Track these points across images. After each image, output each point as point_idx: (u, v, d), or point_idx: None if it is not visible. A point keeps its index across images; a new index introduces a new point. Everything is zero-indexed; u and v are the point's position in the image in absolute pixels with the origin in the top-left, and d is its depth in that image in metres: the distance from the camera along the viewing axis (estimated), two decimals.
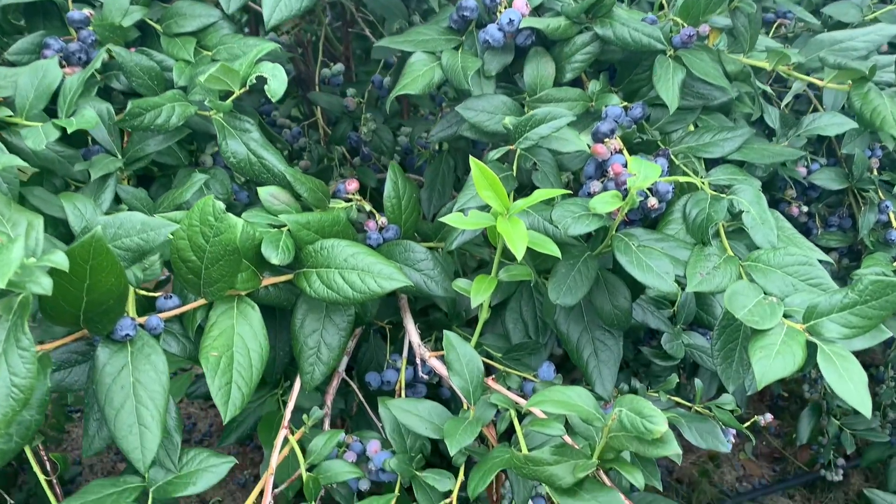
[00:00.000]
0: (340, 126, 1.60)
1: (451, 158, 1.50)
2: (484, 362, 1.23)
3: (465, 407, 0.99)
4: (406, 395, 1.33)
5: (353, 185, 1.21)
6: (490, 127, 1.12)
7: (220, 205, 0.95)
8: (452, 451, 0.91)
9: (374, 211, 1.27)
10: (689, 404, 1.41)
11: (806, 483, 3.04)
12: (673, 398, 1.41)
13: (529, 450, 0.97)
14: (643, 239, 1.07)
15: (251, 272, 1.06)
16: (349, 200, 1.23)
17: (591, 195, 1.11)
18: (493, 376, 1.10)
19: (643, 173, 0.96)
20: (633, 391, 1.37)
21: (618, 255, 1.01)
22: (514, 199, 1.14)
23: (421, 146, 1.64)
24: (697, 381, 1.41)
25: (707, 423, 1.30)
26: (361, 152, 1.62)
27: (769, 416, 1.36)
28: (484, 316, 1.05)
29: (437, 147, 1.57)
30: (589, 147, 1.11)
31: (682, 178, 1.03)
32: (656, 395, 1.39)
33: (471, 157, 0.92)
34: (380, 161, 1.67)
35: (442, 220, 0.92)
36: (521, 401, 1.04)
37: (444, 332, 1.02)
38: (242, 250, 1.02)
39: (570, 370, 1.49)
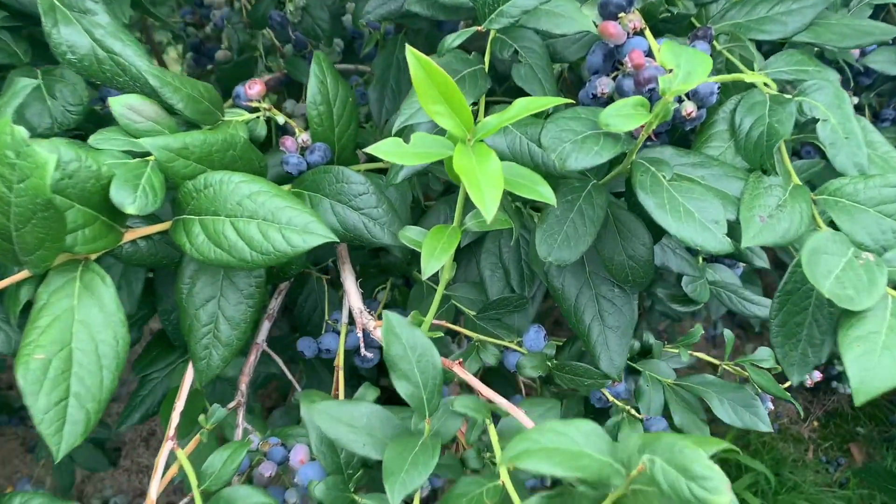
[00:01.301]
0: (261, 3, 1.21)
1: (406, 44, 1.12)
2: (448, 328, 0.91)
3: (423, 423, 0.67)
4: (354, 367, 1.02)
5: (255, 87, 0.85)
6: None
7: (21, 132, 0.59)
8: (394, 501, 0.60)
9: (293, 123, 0.91)
10: (715, 361, 1.10)
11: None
12: (695, 353, 1.11)
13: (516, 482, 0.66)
14: (676, 164, 0.73)
15: (101, 225, 0.72)
16: (254, 110, 0.88)
17: (597, 98, 0.76)
18: (460, 359, 0.78)
19: (685, 68, 0.61)
20: (647, 349, 1.06)
21: (641, 194, 0.67)
22: (487, 109, 0.79)
23: (371, 27, 1.26)
24: (727, 332, 1.10)
25: (743, 392, 1.00)
26: (293, 38, 1.24)
27: (817, 374, 1.05)
28: (446, 277, 0.72)
29: (389, 28, 1.19)
30: (595, 26, 0.75)
31: (729, 77, 0.68)
32: (676, 351, 1.08)
33: (408, 48, 0.56)
34: (318, 49, 1.29)
35: (369, 150, 0.57)
36: (501, 402, 0.73)
37: (384, 313, 0.69)
38: (87, 194, 0.68)
39: (565, 326, 1.18)
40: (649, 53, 0.75)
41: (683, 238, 0.64)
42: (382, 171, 0.97)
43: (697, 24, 0.85)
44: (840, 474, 2.50)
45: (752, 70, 0.80)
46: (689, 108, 0.73)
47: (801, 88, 0.77)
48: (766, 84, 0.78)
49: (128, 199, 0.70)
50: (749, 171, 0.74)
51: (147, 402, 1.10)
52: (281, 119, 0.89)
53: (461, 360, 0.79)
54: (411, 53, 0.56)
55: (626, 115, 0.62)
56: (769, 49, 0.87)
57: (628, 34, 0.73)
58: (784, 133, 0.72)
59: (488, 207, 0.53)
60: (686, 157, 0.74)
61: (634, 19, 0.73)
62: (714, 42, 0.83)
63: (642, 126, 0.64)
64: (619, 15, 0.74)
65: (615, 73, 0.77)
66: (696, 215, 0.65)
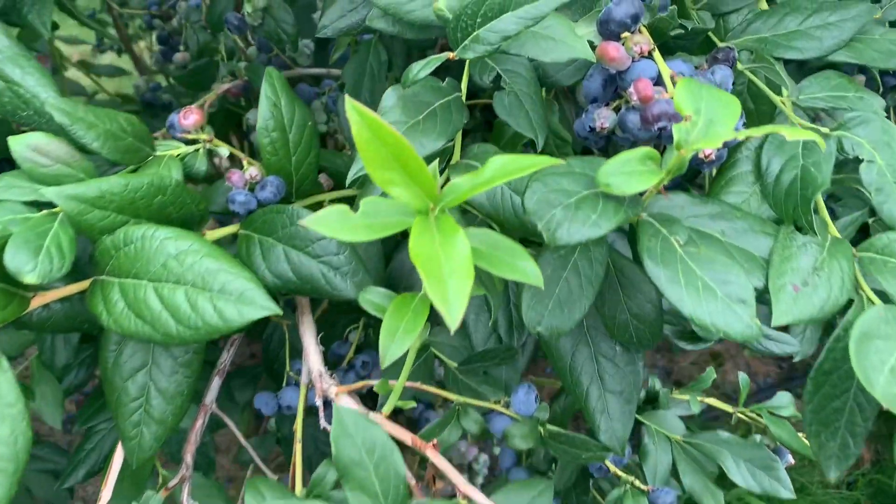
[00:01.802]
0: (217, 2, 1.07)
1: (381, 49, 1.00)
2: (423, 392, 0.79)
3: None
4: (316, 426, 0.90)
5: (191, 116, 0.72)
6: (415, 14, 0.63)
7: None
8: None
9: (240, 155, 0.78)
10: (728, 408, 0.98)
11: None
12: (705, 399, 0.99)
13: None
14: (690, 216, 0.60)
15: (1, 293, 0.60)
16: (192, 142, 0.75)
17: (595, 132, 0.63)
18: (434, 440, 0.66)
19: (706, 115, 0.48)
20: (652, 397, 0.94)
21: (649, 264, 0.54)
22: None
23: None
24: (742, 376, 0.98)
25: (761, 452, 0.88)
26: (255, 41, 1.11)
27: None
28: (410, 362, 0.60)
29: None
30: (593, 47, 0.62)
31: (760, 130, 0.55)
32: (685, 398, 0.96)
33: (347, 100, 0.43)
34: (286, 53, 1.15)
35: (307, 223, 0.45)
36: (482, 502, 0.61)
37: (334, 408, 0.57)
38: None
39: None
40: (658, 80, 0.62)
41: (702, 321, 0.52)
42: (348, 201, 0.84)
43: (715, 39, 0.72)
44: (848, 474, 2.39)
45: (780, 95, 0.67)
46: (708, 150, 0.60)
47: (842, 121, 0.64)
48: (796, 114, 0.65)
49: (26, 266, 0.58)
50: (777, 220, 0.61)
51: (92, 456, 0.99)
52: (225, 151, 0.76)
53: (435, 441, 0.67)
54: (352, 108, 0.43)
55: (631, 173, 0.50)
56: (798, 68, 0.74)
57: (633, 58, 0.60)
58: (822, 181, 0.59)
59: (453, 309, 0.41)
60: (703, 207, 0.61)
61: (641, 41, 0.60)
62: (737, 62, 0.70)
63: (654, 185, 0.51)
64: (623, 35, 0.61)
65: (618, 102, 0.64)
66: (717, 292, 0.52)
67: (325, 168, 0.91)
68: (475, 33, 0.56)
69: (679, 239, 0.55)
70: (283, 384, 0.92)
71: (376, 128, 0.43)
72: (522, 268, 0.49)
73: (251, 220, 0.76)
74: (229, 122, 1.33)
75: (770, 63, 0.65)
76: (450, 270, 0.43)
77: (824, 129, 0.65)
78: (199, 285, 0.59)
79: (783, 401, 0.95)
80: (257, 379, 1.27)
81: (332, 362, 0.98)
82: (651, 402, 0.94)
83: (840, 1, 0.68)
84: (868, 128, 0.62)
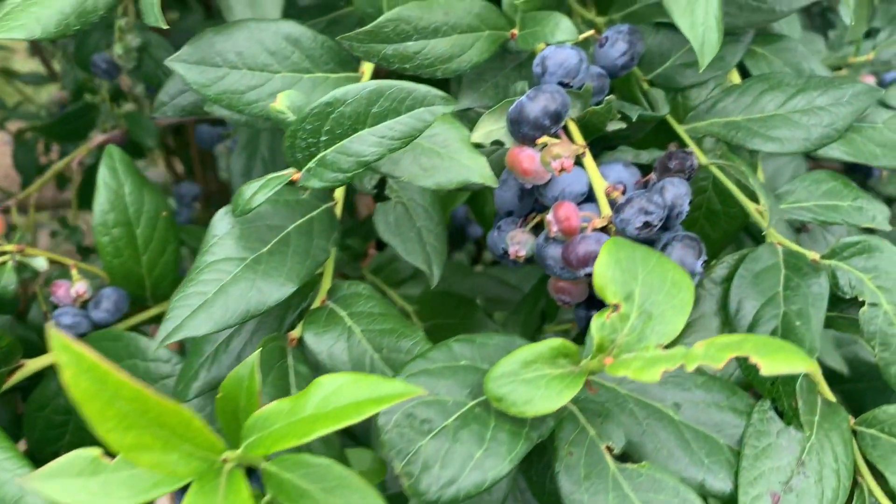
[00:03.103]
0: (89, 38, 0.89)
1: None
2: None
3: None
4: None
5: None
6: (257, 106, 0.46)
7: None
8: None
9: (67, 262, 0.61)
10: None
11: None
12: None
13: None
14: (631, 386, 0.44)
15: None
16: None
17: (509, 257, 0.47)
18: None
19: (641, 302, 0.32)
20: None
21: (565, 484, 0.38)
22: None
23: None
24: None
25: None
26: (124, 86, 0.93)
27: None
28: None
29: None
30: (498, 147, 0.45)
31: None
32: None
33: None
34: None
35: (27, 482, 0.28)
36: None
37: None
38: None
39: None
40: (590, 196, 0.46)
41: None
42: None
43: (673, 123, 0.55)
44: None
45: (758, 203, 0.51)
46: None
47: (836, 246, 0.48)
48: (777, 231, 0.49)
49: None
50: (748, 403, 0.45)
51: None
52: (41, 262, 0.58)
53: None
54: (59, 345, 0.26)
55: (535, 382, 0.33)
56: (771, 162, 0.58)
57: (554, 172, 0.44)
58: (811, 343, 0.43)
59: None
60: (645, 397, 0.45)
61: (563, 154, 0.43)
62: (698, 154, 0.54)
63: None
64: (541, 137, 0.45)
65: (539, 218, 0.48)
66: None
67: None
68: (320, 155, 0.39)
69: (613, 445, 0.39)
70: None
71: (102, 377, 0.26)
72: None
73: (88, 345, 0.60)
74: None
75: (739, 165, 0.49)
76: None
77: (812, 255, 0.49)
78: None
79: None
80: None
81: None
82: None
83: (832, 78, 0.52)
84: (872, 258, 0.47)
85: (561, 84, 0.47)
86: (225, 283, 0.43)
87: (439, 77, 0.47)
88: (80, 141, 0.97)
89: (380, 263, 0.87)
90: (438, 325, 0.68)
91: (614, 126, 0.48)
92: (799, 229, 0.53)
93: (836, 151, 0.51)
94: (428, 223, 0.49)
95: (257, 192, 0.42)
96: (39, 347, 0.62)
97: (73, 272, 0.61)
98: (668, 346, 0.33)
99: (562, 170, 0.43)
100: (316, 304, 0.48)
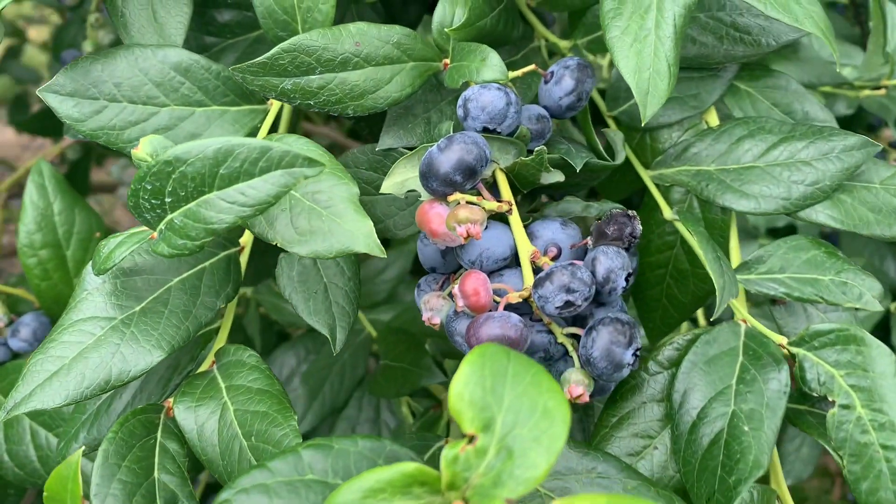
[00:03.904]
0: (66, 32, 0.86)
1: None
2: None
3: None
4: None
5: None
6: (135, 145, 0.40)
7: None
8: None
9: None
10: None
11: None
12: None
13: None
14: (552, 476, 0.38)
15: None
16: None
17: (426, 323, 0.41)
18: None
19: (507, 440, 0.26)
20: None
21: None
22: None
23: None
24: None
25: None
26: None
27: None
28: None
29: None
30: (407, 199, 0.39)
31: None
32: None
33: None
34: None
35: None
36: None
37: None
38: None
39: None
40: (515, 258, 0.40)
41: None
42: None
43: (638, 169, 0.48)
44: None
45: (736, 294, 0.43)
46: (575, 388, 0.37)
47: (809, 333, 0.40)
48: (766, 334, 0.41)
49: None
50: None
51: None
52: None
53: None
54: None
55: None
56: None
57: (463, 235, 0.37)
58: (756, 459, 0.36)
59: None
60: (576, 462, 0.38)
61: (470, 220, 0.37)
62: (662, 208, 0.46)
63: None
64: (451, 198, 0.38)
65: (448, 283, 0.42)
66: None
67: None
68: (168, 218, 0.33)
69: None
70: None
71: None
72: None
73: (3, 372, 0.56)
74: None
75: (689, 227, 0.42)
76: None
77: (779, 340, 0.41)
78: None
79: None
80: None
81: None
82: None
83: (822, 128, 0.44)
84: (847, 351, 0.39)
85: (486, 130, 0.40)
86: (86, 348, 0.38)
87: (350, 115, 0.41)
88: (58, 137, 0.93)
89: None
90: (388, 368, 0.62)
91: (551, 178, 0.42)
92: (773, 302, 0.46)
93: (820, 215, 0.44)
94: (338, 278, 0.43)
95: (115, 248, 0.37)
96: None
97: None
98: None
99: (468, 236, 0.37)
100: (204, 366, 0.43)
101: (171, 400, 0.41)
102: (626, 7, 0.38)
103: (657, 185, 0.48)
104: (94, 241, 0.60)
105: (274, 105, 0.44)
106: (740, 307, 0.44)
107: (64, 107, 0.40)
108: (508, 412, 0.27)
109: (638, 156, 0.49)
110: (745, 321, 0.43)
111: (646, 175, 0.48)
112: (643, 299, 0.51)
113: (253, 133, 0.43)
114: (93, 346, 0.38)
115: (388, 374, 0.61)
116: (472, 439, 0.27)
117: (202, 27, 0.49)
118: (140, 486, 0.36)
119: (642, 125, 0.38)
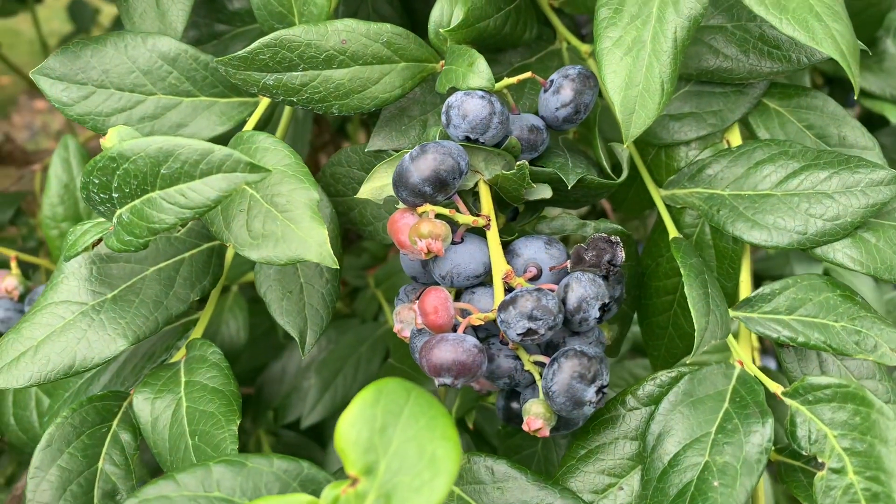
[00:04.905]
0: None
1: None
2: None
3: None
4: None
5: None
6: None
7: None
8: None
9: (8, 253, 0.59)
10: None
11: None
12: None
13: None
14: None
15: None
16: None
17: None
18: None
19: (386, 486, 0.24)
20: None
21: None
22: None
23: None
24: None
25: None
26: None
27: None
28: None
29: None
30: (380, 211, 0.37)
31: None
32: None
33: None
34: None
35: None
36: None
37: None
38: None
39: None
40: (490, 272, 0.38)
41: None
42: None
43: (651, 187, 0.45)
44: None
45: (752, 350, 0.40)
46: (534, 421, 0.35)
47: (804, 385, 0.37)
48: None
49: None
50: None
51: None
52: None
53: None
54: None
55: None
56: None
57: (430, 250, 0.36)
58: None
59: None
60: (529, 497, 0.36)
61: (433, 236, 0.35)
62: (670, 223, 0.43)
63: None
64: (419, 210, 0.36)
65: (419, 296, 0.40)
66: None
67: None
68: (118, 212, 0.33)
69: None
70: None
71: None
72: None
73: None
74: None
75: (686, 258, 0.38)
76: None
77: (774, 387, 0.38)
78: None
79: None
80: None
81: None
82: None
83: (850, 157, 0.39)
84: (844, 409, 0.35)
85: (469, 139, 0.38)
86: (54, 331, 0.39)
87: (335, 114, 0.40)
88: None
89: (384, 273, 0.81)
90: (392, 368, 0.61)
91: (537, 194, 0.39)
92: (778, 346, 0.42)
93: (839, 254, 0.39)
94: (315, 280, 0.42)
95: (80, 236, 0.37)
96: None
97: (13, 264, 0.59)
98: None
99: (426, 251, 0.35)
100: (175, 358, 0.43)
101: (134, 387, 0.41)
102: (622, 16, 0.35)
103: (669, 206, 0.44)
104: None
105: (263, 100, 0.43)
106: (738, 346, 0.40)
107: (54, 90, 0.40)
108: (394, 457, 0.25)
109: (652, 173, 0.46)
110: (741, 363, 0.39)
111: (657, 194, 0.45)
112: (648, 325, 0.48)
113: (240, 125, 0.43)
114: (61, 330, 0.39)
115: (391, 375, 0.60)
116: (354, 481, 0.25)
117: (213, 14, 0.49)
118: (80, 475, 0.36)
119: (623, 145, 0.35)
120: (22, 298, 0.59)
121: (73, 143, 0.59)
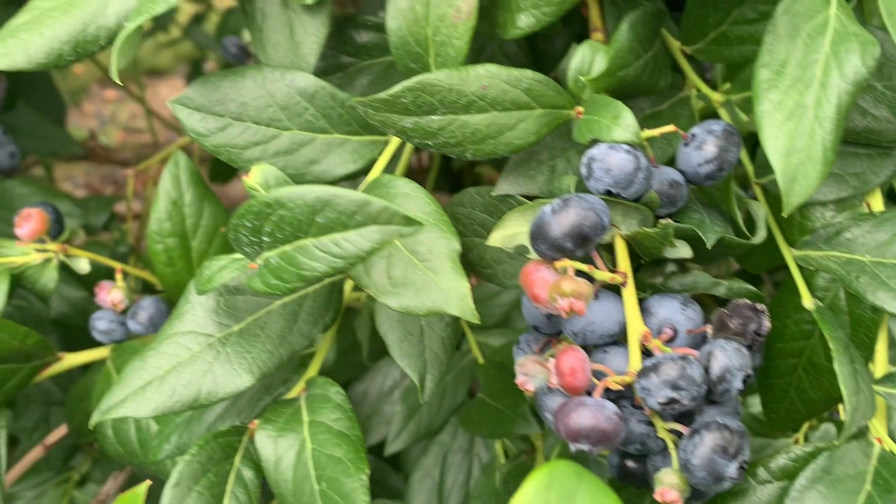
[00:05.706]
0: (232, 16, 0.89)
1: None
2: None
3: None
4: None
5: (26, 225, 0.54)
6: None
7: None
8: None
9: (116, 265, 0.60)
10: None
11: None
12: None
13: None
14: None
15: None
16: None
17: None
18: None
19: None
20: None
21: None
22: None
23: None
24: None
25: None
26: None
27: None
28: None
29: None
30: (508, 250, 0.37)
31: None
32: None
33: None
34: None
35: None
36: None
37: None
38: None
39: None
40: (623, 333, 0.36)
41: None
42: None
43: (782, 245, 0.43)
44: None
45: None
46: (668, 493, 0.34)
47: None
48: None
49: None
50: None
51: None
52: (84, 264, 0.57)
53: None
54: None
55: None
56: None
57: (566, 307, 0.35)
58: None
59: None
60: None
61: (575, 295, 0.34)
62: (803, 286, 0.41)
63: None
64: (559, 265, 0.36)
65: (548, 353, 0.39)
66: None
67: None
68: (266, 255, 0.33)
69: None
70: None
71: None
72: None
73: (120, 350, 0.59)
74: None
75: (829, 330, 0.37)
76: None
77: None
78: None
79: None
80: None
81: None
82: None
83: None
84: None
85: (609, 193, 0.37)
86: (180, 362, 0.39)
87: (468, 158, 0.40)
88: None
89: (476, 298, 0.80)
90: (483, 405, 0.60)
91: (677, 253, 0.38)
92: None
93: None
94: (436, 324, 0.42)
95: (217, 272, 0.37)
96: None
97: (118, 277, 0.60)
98: None
99: (571, 311, 0.34)
100: (294, 391, 0.42)
101: (256, 422, 0.41)
102: (783, 79, 0.34)
103: (800, 268, 0.43)
104: (218, 236, 0.62)
105: (392, 140, 0.43)
106: (877, 423, 0.38)
107: (191, 120, 0.41)
108: None
109: (783, 231, 0.44)
110: (879, 440, 0.38)
111: (789, 254, 0.43)
112: (769, 388, 0.46)
113: (371, 164, 0.42)
114: (187, 361, 0.39)
115: (483, 412, 0.59)
116: None
117: (340, 46, 0.49)
118: None
119: (783, 214, 0.34)
120: (125, 311, 0.60)
121: (183, 160, 0.60)
